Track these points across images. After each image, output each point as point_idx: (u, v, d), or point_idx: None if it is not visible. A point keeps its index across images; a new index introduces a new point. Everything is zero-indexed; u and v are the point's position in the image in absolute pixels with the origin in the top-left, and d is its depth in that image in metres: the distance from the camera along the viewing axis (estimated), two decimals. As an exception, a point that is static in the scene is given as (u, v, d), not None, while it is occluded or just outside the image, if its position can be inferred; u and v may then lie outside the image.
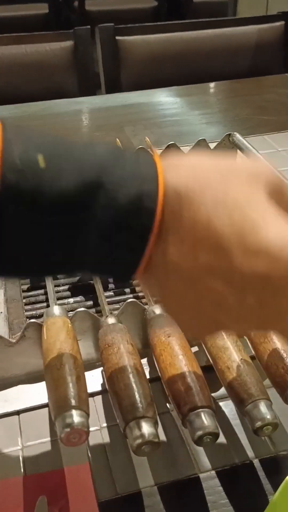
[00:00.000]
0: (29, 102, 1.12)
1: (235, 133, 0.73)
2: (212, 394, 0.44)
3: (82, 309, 0.46)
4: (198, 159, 0.29)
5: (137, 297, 0.56)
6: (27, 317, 0.54)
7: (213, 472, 0.40)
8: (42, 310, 0.55)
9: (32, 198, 0.26)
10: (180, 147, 0.72)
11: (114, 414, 0.38)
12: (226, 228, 0.26)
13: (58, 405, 0.36)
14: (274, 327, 0.30)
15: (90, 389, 0.39)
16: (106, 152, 0.28)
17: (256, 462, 0.41)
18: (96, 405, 0.45)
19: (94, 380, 0.47)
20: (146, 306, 0.47)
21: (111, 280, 0.59)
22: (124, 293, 0.57)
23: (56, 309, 0.45)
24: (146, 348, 0.47)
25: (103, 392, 0.46)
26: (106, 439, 0.43)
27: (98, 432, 0.43)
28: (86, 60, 1.35)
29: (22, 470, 0.40)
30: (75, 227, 0.27)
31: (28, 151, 0.26)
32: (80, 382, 0.38)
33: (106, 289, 0.57)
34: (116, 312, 0.47)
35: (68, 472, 0.40)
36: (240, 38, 1.43)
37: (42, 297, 0.57)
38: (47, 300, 0.55)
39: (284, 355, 0.41)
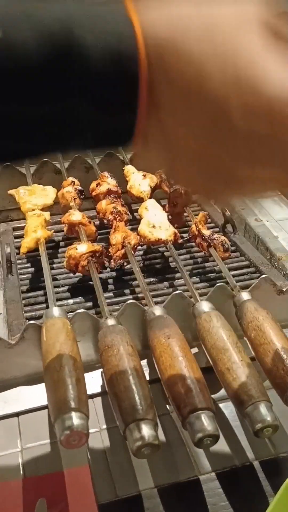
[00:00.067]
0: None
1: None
2: (212, 396, 0.44)
3: (82, 310, 0.46)
4: (177, 7, 0.25)
5: (136, 298, 0.56)
6: (26, 318, 0.53)
7: (213, 474, 0.40)
8: (41, 311, 0.54)
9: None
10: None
11: (114, 416, 0.38)
12: (219, 78, 0.22)
13: (57, 407, 0.36)
14: None
15: (89, 391, 0.39)
16: (74, 10, 0.24)
17: (256, 464, 0.41)
18: (96, 406, 0.45)
19: (93, 381, 0.46)
20: (145, 308, 0.47)
21: (110, 281, 0.59)
22: (124, 294, 0.57)
23: (55, 311, 0.45)
24: (145, 349, 0.47)
25: (102, 393, 0.46)
26: (106, 441, 0.42)
27: (98, 434, 0.43)
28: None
29: (21, 473, 0.40)
30: (52, 98, 0.23)
31: None
32: (80, 384, 0.38)
33: (105, 290, 0.57)
34: (115, 313, 0.47)
35: (68, 474, 0.40)
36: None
37: (42, 298, 0.57)
38: (46, 301, 0.55)
39: (284, 356, 0.41)
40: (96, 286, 0.51)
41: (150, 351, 0.44)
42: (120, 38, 0.23)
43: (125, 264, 0.56)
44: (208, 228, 0.61)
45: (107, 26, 0.24)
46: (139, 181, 0.65)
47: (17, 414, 0.44)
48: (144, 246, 0.62)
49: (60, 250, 0.65)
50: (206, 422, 0.36)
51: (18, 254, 0.62)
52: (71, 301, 0.56)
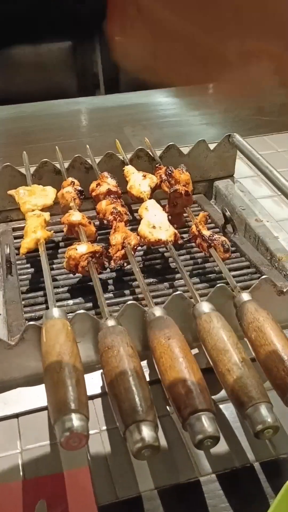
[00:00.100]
0: (28, 102, 1.12)
1: (235, 134, 0.73)
2: (212, 397, 0.44)
3: (82, 311, 0.45)
4: None
5: (136, 299, 0.56)
6: (26, 319, 0.53)
7: (213, 475, 0.40)
8: (41, 312, 0.54)
9: None
10: (180, 148, 0.72)
11: (114, 417, 0.38)
12: None
13: (57, 409, 0.36)
14: None
15: (89, 392, 0.39)
16: None
17: (256, 465, 0.41)
18: (96, 408, 0.45)
19: (93, 382, 0.46)
20: (146, 308, 0.47)
21: (110, 281, 0.59)
22: (124, 295, 0.57)
23: (55, 311, 0.44)
24: (146, 350, 0.47)
25: (102, 395, 0.45)
26: (106, 442, 0.42)
27: (98, 435, 0.43)
28: (85, 61, 1.35)
29: (21, 474, 0.40)
30: None
31: None
32: (80, 385, 0.38)
33: (105, 290, 0.57)
34: (115, 314, 0.47)
35: (68, 476, 0.40)
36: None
37: (41, 299, 0.57)
38: (46, 302, 0.55)
39: (285, 357, 0.41)
40: (96, 287, 0.50)
41: (150, 352, 0.44)
42: None
43: (125, 264, 0.55)
44: (208, 229, 0.61)
45: None
46: (139, 182, 0.65)
47: (16, 416, 0.44)
48: (144, 247, 0.62)
49: (60, 250, 0.65)
50: (206, 423, 0.36)
51: (17, 254, 0.62)
52: (71, 301, 0.56)
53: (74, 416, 0.35)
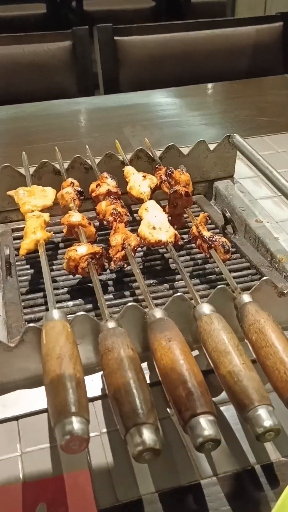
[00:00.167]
0: (28, 102, 1.12)
1: (234, 134, 0.73)
2: (213, 399, 0.43)
3: (82, 313, 0.45)
4: None
5: (136, 300, 0.55)
6: (26, 321, 0.53)
7: (214, 478, 0.40)
8: (41, 314, 0.54)
9: None
10: (180, 148, 0.72)
11: (114, 420, 0.38)
12: None
13: (57, 412, 0.36)
14: None
15: (89, 394, 0.39)
16: None
17: (258, 468, 0.40)
18: (96, 410, 0.45)
19: (93, 384, 0.46)
20: (146, 310, 0.47)
21: (110, 282, 0.59)
22: (124, 296, 0.57)
23: (55, 313, 0.44)
24: (146, 352, 0.47)
25: (103, 397, 0.45)
26: (106, 444, 0.42)
27: (98, 437, 0.43)
28: (85, 60, 1.35)
29: (21, 477, 0.40)
30: None
31: None
32: (80, 387, 0.37)
33: (105, 292, 0.57)
34: (116, 315, 0.46)
35: (68, 478, 0.39)
36: (239, 38, 1.42)
37: (41, 300, 0.56)
38: (46, 303, 0.55)
39: (286, 359, 0.41)
40: (96, 288, 0.50)
41: (151, 354, 0.44)
42: None
43: (125, 265, 0.55)
44: (208, 230, 0.61)
45: None
46: (139, 182, 0.65)
47: (16, 418, 0.44)
48: (144, 248, 0.62)
49: (59, 251, 0.65)
50: (207, 426, 0.36)
51: (17, 255, 0.61)
52: (70, 303, 0.56)
53: (74, 419, 0.35)
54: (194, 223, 0.60)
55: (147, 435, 0.35)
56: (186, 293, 0.51)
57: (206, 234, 0.57)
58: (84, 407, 0.36)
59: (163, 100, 1.16)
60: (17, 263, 0.62)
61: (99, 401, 0.45)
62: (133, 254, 0.55)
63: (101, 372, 0.45)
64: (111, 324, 0.44)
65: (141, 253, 0.63)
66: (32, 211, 0.60)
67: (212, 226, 0.69)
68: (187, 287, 0.51)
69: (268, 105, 1.11)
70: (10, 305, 0.55)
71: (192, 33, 1.40)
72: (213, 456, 0.41)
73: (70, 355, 0.40)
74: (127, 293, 0.57)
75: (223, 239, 0.57)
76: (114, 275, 0.59)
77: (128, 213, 0.61)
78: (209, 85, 1.25)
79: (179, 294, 0.47)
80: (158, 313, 0.46)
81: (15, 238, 0.66)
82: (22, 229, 0.59)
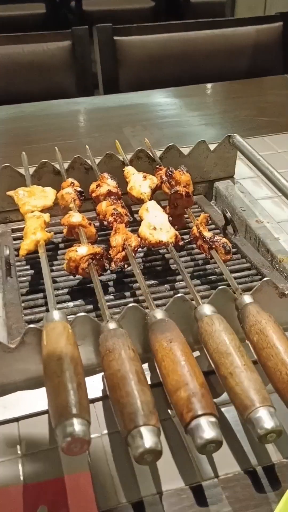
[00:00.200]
0: (27, 102, 1.11)
1: (235, 134, 0.73)
2: (214, 400, 0.43)
3: (82, 314, 0.45)
4: None
5: (137, 301, 0.55)
6: (26, 322, 0.53)
7: (215, 480, 0.40)
8: (41, 314, 0.54)
9: None
10: (180, 148, 0.72)
11: (115, 421, 0.37)
12: None
13: (58, 413, 0.35)
14: None
15: (90, 395, 0.38)
16: None
17: (259, 470, 0.40)
18: (97, 411, 0.44)
19: (94, 386, 0.46)
20: (147, 311, 0.47)
21: (111, 283, 0.58)
22: (124, 297, 0.57)
23: (56, 314, 0.44)
24: (146, 353, 0.46)
25: (103, 398, 0.45)
26: (107, 446, 0.42)
27: (99, 439, 0.42)
28: (84, 60, 1.35)
29: (21, 479, 0.40)
30: None
31: None
32: (81, 389, 0.37)
33: (106, 292, 0.56)
34: (116, 316, 0.46)
35: (69, 480, 0.39)
36: (238, 38, 1.42)
37: (41, 301, 0.56)
38: (46, 304, 0.55)
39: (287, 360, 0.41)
40: (97, 289, 0.50)
41: (152, 355, 0.44)
42: None
43: (125, 266, 0.55)
44: (209, 230, 0.60)
45: None
46: (139, 182, 0.64)
47: (16, 419, 0.44)
48: (145, 248, 0.62)
49: (59, 252, 0.64)
50: (209, 428, 0.36)
51: (17, 256, 0.61)
52: (71, 304, 0.56)
53: (75, 421, 0.34)
54: (195, 224, 0.59)
55: (149, 437, 0.35)
56: (187, 294, 0.50)
57: (207, 234, 0.57)
58: (85, 409, 0.36)
59: (163, 100, 1.16)
60: (17, 263, 0.62)
61: (100, 402, 0.45)
62: (133, 254, 0.55)
63: (102, 373, 0.45)
64: (112, 325, 0.44)
65: (142, 254, 0.63)
66: (32, 211, 0.60)
67: (213, 226, 0.69)
68: (187, 287, 0.51)
69: (268, 105, 1.11)
70: (10, 306, 0.55)
71: (192, 33, 1.40)
72: (214, 458, 0.41)
73: (71, 357, 0.40)
74: (127, 293, 0.57)
75: (224, 239, 0.57)
76: (114, 276, 0.59)
77: (128, 214, 0.60)
78: (209, 85, 1.25)
79: (180, 295, 0.47)
80: (159, 314, 0.46)
81: (15, 239, 0.66)
82: (21, 229, 0.59)
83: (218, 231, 0.68)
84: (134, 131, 0.97)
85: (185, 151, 0.72)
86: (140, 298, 0.56)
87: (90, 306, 0.55)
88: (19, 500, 0.38)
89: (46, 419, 0.43)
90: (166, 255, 0.63)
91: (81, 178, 0.66)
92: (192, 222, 0.61)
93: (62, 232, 0.60)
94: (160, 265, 0.62)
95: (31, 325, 0.44)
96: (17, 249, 0.58)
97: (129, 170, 0.67)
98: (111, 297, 0.56)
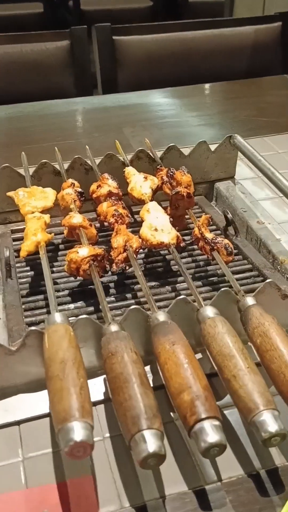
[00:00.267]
0: (26, 102, 1.11)
1: (236, 135, 0.73)
2: (217, 403, 0.43)
3: (84, 316, 0.45)
4: None
5: (138, 303, 0.55)
6: (26, 324, 0.53)
7: (219, 483, 0.39)
8: (42, 317, 0.54)
9: None
10: (180, 149, 0.71)
11: (118, 424, 0.37)
12: None
13: (61, 417, 0.35)
14: None
15: (92, 398, 0.38)
16: None
17: (263, 473, 0.40)
18: (99, 414, 0.44)
19: (96, 388, 0.46)
20: (149, 313, 0.46)
21: (112, 285, 0.58)
22: (126, 298, 0.56)
23: (57, 316, 0.44)
24: (149, 355, 0.46)
25: (105, 401, 0.45)
26: (110, 450, 0.42)
27: (101, 442, 0.42)
28: (83, 60, 1.34)
29: (23, 483, 0.39)
30: None
31: None
32: (84, 392, 0.37)
33: (107, 294, 0.56)
34: (118, 318, 0.46)
35: (71, 484, 0.39)
36: (237, 38, 1.42)
37: (42, 303, 0.56)
38: (47, 306, 0.54)
39: (291, 363, 0.40)
40: (98, 291, 0.50)
41: (154, 357, 0.43)
42: None
43: (127, 267, 0.55)
44: (210, 231, 0.60)
45: None
46: (140, 183, 0.64)
47: (18, 423, 0.43)
48: (146, 250, 0.61)
49: (60, 253, 0.64)
50: (213, 431, 0.36)
51: (17, 257, 0.61)
52: (72, 305, 0.55)
53: (79, 425, 0.34)
54: (196, 225, 0.59)
55: (152, 441, 0.34)
56: (189, 296, 0.50)
57: (209, 236, 0.57)
58: (88, 412, 0.36)
59: (162, 100, 1.16)
60: (17, 265, 0.61)
61: (102, 405, 0.45)
62: (135, 256, 0.55)
63: (104, 376, 0.44)
64: (114, 328, 0.44)
65: (143, 255, 0.62)
66: (33, 212, 0.59)
67: (214, 227, 0.69)
68: (190, 289, 0.51)
69: (267, 106, 1.10)
70: (11, 308, 0.54)
71: (190, 33, 1.39)
72: (217, 461, 0.40)
73: (73, 359, 0.39)
74: (129, 295, 0.57)
75: (226, 240, 0.56)
76: (115, 277, 0.59)
77: (129, 215, 0.60)
78: (208, 85, 1.25)
79: (182, 297, 0.47)
80: (161, 316, 0.45)
81: (14, 240, 0.65)
82: (21, 230, 0.59)
83: (219, 232, 0.68)
84: (134, 131, 0.97)
85: (186, 151, 0.71)
86: (142, 300, 0.56)
87: (91, 308, 0.55)
88: (21, 505, 0.38)
89: (48, 422, 0.43)
90: (167, 257, 0.62)
91: (81, 178, 0.66)
92: (193, 223, 0.60)
93: (63, 233, 0.60)
94: (161, 267, 0.61)
95: (33, 328, 0.43)
96: (17, 250, 0.58)
97: (130, 171, 0.67)
98: (113, 299, 0.56)
